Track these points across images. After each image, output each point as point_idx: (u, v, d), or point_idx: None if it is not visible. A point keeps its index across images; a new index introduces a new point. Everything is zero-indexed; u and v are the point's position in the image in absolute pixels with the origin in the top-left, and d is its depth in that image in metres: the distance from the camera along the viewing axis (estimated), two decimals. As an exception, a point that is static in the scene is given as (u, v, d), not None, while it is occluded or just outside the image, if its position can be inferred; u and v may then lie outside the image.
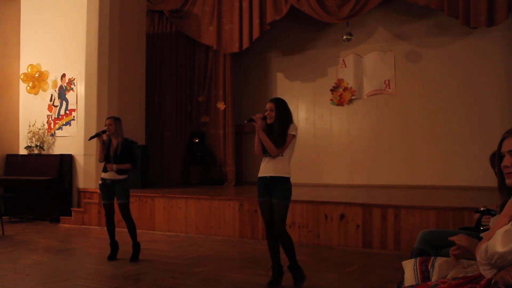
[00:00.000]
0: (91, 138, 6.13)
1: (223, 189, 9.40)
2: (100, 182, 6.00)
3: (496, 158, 2.34)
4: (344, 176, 10.05)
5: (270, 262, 4.72)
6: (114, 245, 5.96)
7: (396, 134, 9.76)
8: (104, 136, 5.96)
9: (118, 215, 6.09)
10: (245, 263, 5.79)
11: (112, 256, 5.89)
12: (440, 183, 9.10)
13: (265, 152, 4.61)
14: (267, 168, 4.61)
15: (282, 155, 4.60)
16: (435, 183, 9.16)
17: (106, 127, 5.92)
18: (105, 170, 5.93)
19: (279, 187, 4.56)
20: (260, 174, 4.66)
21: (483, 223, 3.42)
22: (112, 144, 5.93)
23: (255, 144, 4.66)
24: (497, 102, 8.96)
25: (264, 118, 4.62)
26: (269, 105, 4.65)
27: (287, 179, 4.62)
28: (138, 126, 9.75)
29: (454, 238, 2.35)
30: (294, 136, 4.61)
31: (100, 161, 5.99)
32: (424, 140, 9.48)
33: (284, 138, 4.56)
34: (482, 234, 2.42)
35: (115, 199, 5.96)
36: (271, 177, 4.58)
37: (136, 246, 5.91)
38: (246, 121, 4.76)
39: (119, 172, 5.87)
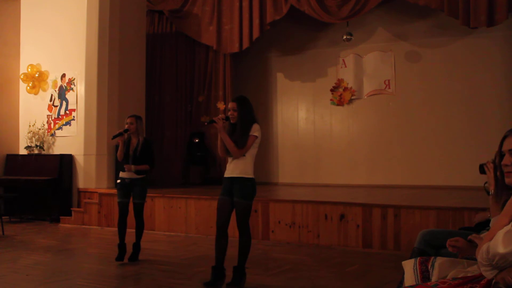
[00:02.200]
0: (114, 137, 5.90)
1: (223, 189, 9.39)
2: (119, 181, 5.88)
3: (497, 157, 2.34)
4: (344, 176, 10.05)
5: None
6: (123, 247, 5.77)
7: (396, 134, 9.77)
8: (125, 135, 5.84)
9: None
10: (245, 263, 5.79)
11: (121, 257, 5.68)
12: (440, 183, 9.10)
13: (228, 152, 4.55)
14: (229, 169, 4.57)
15: (244, 156, 4.51)
16: (435, 183, 9.16)
17: (127, 126, 5.79)
18: (123, 169, 5.83)
19: (239, 187, 4.49)
20: (224, 175, 4.62)
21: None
22: (131, 143, 5.83)
23: (218, 145, 4.63)
24: (497, 102, 8.96)
25: (227, 118, 4.54)
26: (231, 105, 4.57)
27: (248, 179, 4.51)
28: (138, 126, 9.75)
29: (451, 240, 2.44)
30: (256, 137, 4.51)
31: (120, 160, 5.87)
32: (424, 140, 9.49)
33: (246, 139, 4.48)
34: (482, 235, 2.42)
35: (131, 199, 5.85)
36: (232, 177, 4.52)
37: (137, 247, 5.84)
38: (206, 123, 4.67)
39: (137, 172, 5.78)
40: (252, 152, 4.54)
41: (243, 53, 10.50)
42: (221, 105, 10.48)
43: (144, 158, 5.80)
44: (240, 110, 4.52)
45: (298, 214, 6.83)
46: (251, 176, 4.53)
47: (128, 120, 5.84)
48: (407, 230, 6.11)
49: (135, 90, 9.79)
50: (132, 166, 5.75)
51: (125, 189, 5.84)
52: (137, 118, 5.88)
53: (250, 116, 4.56)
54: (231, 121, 4.54)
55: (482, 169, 3.03)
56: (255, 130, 4.50)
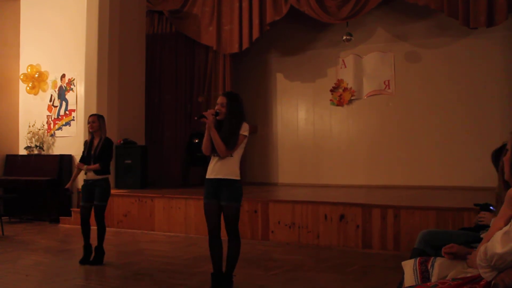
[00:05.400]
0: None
1: (222, 190, 9.38)
2: (83, 183, 5.79)
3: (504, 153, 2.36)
4: (344, 177, 10.04)
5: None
6: (88, 248, 5.64)
7: (395, 134, 9.76)
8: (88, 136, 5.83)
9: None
10: (245, 263, 5.76)
11: (85, 260, 5.58)
12: (440, 184, 9.09)
13: (213, 151, 4.25)
14: (215, 169, 4.27)
15: (231, 156, 4.25)
16: (435, 183, 9.15)
17: (89, 125, 5.75)
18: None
19: (227, 189, 4.24)
20: (208, 176, 4.31)
21: (479, 218, 3.43)
22: (93, 143, 5.77)
23: (204, 142, 4.25)
24: (497, 103, 8.96)
25: (216, 114, 4.23)
26: (220, 100, 4.27)
27: (236, 181, 4.28)
28: (137, 126, 9.75)
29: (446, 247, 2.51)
30: (245, 136, 4.27)
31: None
32: (424, 141, 9.48)
33: (236, 138, 4.21)
34: (482, 235, 2.43)
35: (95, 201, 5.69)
36: (219, 179, 4.25)
37: (100, 250, 5.63)
38: (195, 118, 4.37)
39: (96, 172, 5.66)
40: (239, 153, 4.30)
41: (243, 54, 10.49)
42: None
43: (101, 157, 5.69)
44: (230, 106, 4.23)
45: (298, 214, 6.83)
46: (238, 177, 4.31)
47: (90, 119, 5.77)
48: (407, 231, 6.11)
49: (135, 91, 9.79)
50: (85, 166, 5.67)
51: (88, 192, 5.71)
52: (99, 117, 5.83)
53: (240, 114, 4.29)
54: (218, 117, 4.23)
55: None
56: (245, 130, 4.26)
